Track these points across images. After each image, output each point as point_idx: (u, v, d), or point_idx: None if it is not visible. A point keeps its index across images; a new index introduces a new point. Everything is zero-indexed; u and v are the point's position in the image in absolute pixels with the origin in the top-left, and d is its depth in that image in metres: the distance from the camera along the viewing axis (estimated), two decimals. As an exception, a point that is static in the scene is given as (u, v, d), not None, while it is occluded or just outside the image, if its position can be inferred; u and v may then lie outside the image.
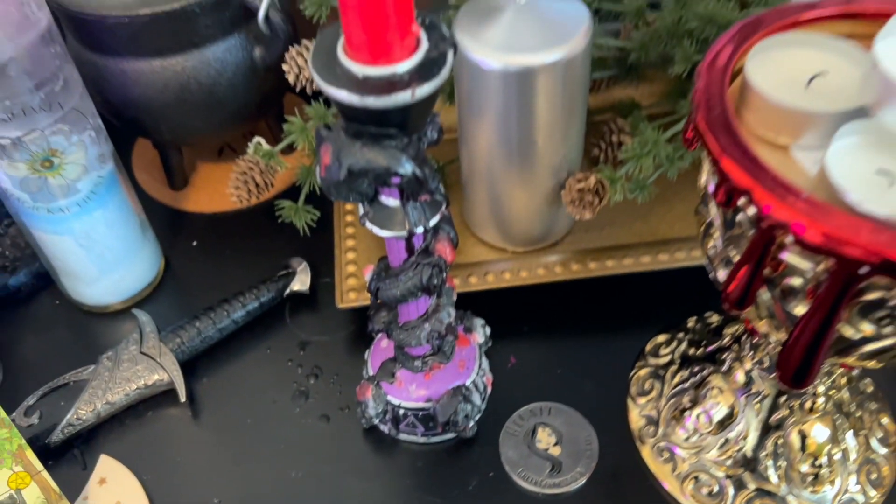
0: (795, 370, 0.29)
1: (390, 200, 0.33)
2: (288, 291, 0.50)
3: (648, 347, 0.46)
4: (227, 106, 0.50)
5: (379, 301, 0.37)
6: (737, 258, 0.29)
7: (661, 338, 0.47)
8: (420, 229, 0.33)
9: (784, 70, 0.29)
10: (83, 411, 0.44)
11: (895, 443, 0.42)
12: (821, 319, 0.27)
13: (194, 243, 0.55)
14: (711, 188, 0.29)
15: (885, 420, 0.42)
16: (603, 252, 0.49)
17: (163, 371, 0.45)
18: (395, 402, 0.42)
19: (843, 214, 0.24)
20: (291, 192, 0.52)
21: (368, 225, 0.33)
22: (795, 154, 0.29)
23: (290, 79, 0.46)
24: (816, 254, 0.25)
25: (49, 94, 0.40)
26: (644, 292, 0.49)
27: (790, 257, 0.27)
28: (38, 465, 0.39)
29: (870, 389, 0.43)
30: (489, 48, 0.41)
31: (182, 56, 0.47)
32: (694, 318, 0.47)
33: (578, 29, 0.42)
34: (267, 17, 0.46)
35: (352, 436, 0.44)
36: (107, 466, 0.43)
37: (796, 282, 0.28)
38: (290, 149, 0.49)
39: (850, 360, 0.29)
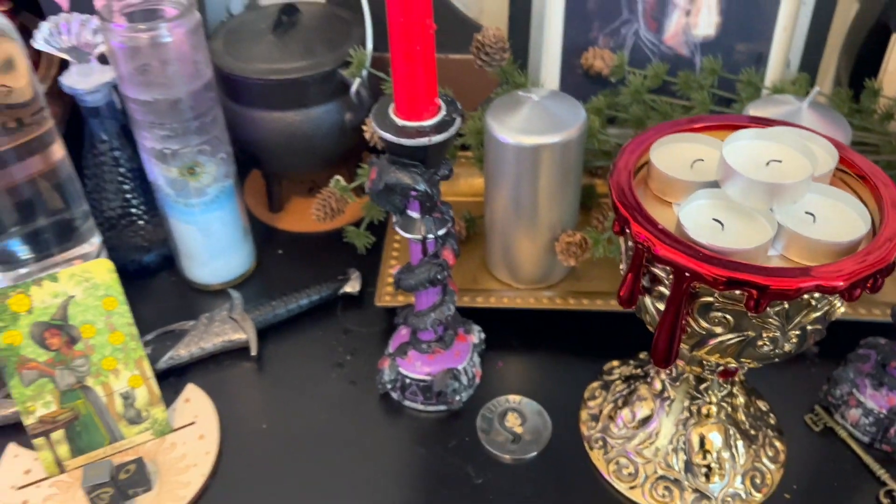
0: (663, 353, 0.43)
1: (414, 214, 0.49)
2: (341, 291, 0.66)
3: (605, 367, 0.60)
4: (319, 153, 0.68)
5: (399, 289, 0.53)
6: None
7: (616, 362, 0.60)
8: (431, 236, 0.49)
9: (675, 156, 0.45)
10: (182, 351, 0.61)
11: (783, 461, 0.53)
12: (673, 313, 0.41)
13: (280, 252, 0.72)
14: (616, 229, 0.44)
15: (778, 444, 0.54)
16: (585, 294, 0.64)
17: (243, 332, 0.62)
18: (404, 372, 0.57)
19: (681, 241, 0.39)
20: (356, 224, 0.69)
21: (397, 229, 0.50)
22: (674, 208, 0.43)
23: (367, 136, 0.64)
24: (665, 265, 0.40)
25: (202, 123, 0.59)
26: (611, 328, 0.63)
27: (655, 269, 0.41)
28: (150, 374, 0.55)
29: (766, 410, 0.55)
30: (510, 130, 0.58)
31: (293, 112, 0.66)
32: (645, 353, 0.60)
33: (576, 123, 0.58)
34: (357, 92, 0.64)
35: (369, 398, 0.59)
36: (192, 391, 0.59)
37: (662, 288, 0.42)
38: (360, 189, 0.66)
39: (704, 352, 0.43)
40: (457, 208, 0.73)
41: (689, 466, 0.51)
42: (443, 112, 0.45)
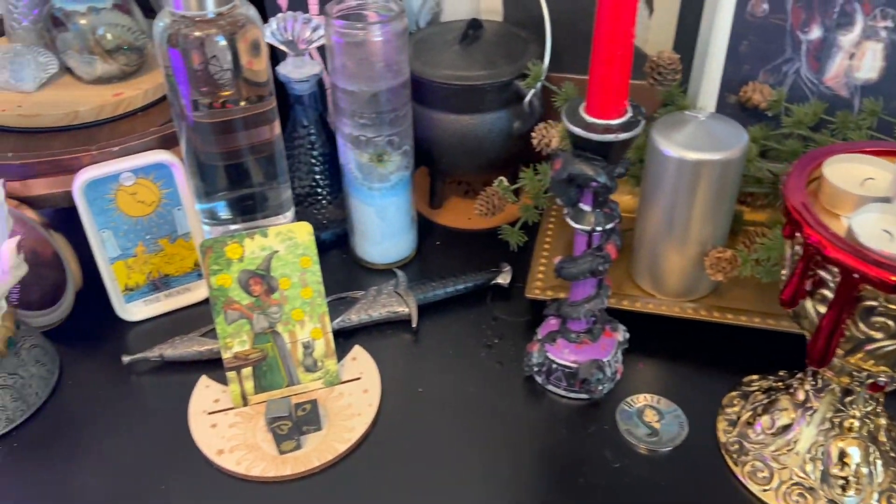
0: (819, 353, 0.45)
1: (585, 207, 0.54)
2: (493, 282, 0.72)
3: (744, 380, 0.62)
4: (487, 156, 0.75)
5: (560, 277, 0.58)
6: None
7: (755, 376, 0.62)
8: (599, 229, 0.54)
9: (846, 174, 0.48)
10: (353, 316, 0.68)
11: (922, 489, 0.54)
12: (836, 315, 0.44)
13: (438, 243, 0.79)
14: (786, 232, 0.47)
15: (918, 470, 0.55)
16: (727, 308, 0.67)
17: (406, 306, 0.69)
18: (552, 357, 0.62)
19: (851, 245, 0.42)
20: (511, 223, 0.75)
21: (568, 220, 0.55)
22: (843, 220, 0.46)
23: (535, 143, 0.70)
24: (834, 266, 0.43)
25: (395, 117, 0.66)
26: (751, 344, 0.65)
27: (821, 272, 0.45)
28: (329, 329, 0.62)
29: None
30: (674, 144, 0.62)
31: (469, 116, 0.73)
32: (784, 371, 0.62)
33: (737, 144, 0.62)
34: (531, 101, 0.71)
35: (514, 379, 0.64)
36: (358, 352, 0.66)
37: (825, 292, 0.45)
38: (516, 193, 0.72)
39: (858, 357, 0.45)
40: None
41: (825, 477, 0.53)
42: (629, 114, 0.50)
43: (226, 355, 0.61)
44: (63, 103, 0.72)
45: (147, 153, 0.64)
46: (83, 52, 0.73)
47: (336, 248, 0.78)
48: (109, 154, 0.63)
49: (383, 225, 0.72)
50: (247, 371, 0.61)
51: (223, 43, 0.56)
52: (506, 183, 0.72)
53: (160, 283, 0.70)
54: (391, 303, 0.69)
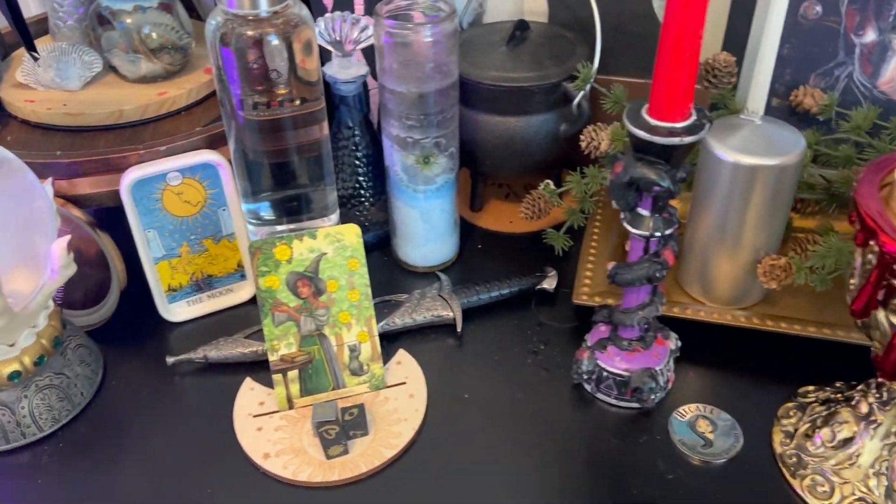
0: (892, 366, 0.44)
1: (644, 211, 0.53)
2: (538, 287, 0.70)
3: (800, 391, 0.61)
4: (533, 158, 0.74)
5: (614, 283, 0.56)
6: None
7: (811, 387, 0.61)
8: (658, 234, 0.53)
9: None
10: (397, 320, 0.67)
11: None
12: (911, 327, 0.42)
13: (479, 246, 0.78)
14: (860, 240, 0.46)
15: None
16: (780, 317, 0.65)
17: (450, 310, 0.68)
18: (602, 365, 0.61)
19: (930, 255, 0.41)
20: (556, 227, 0.74)
21: (626, 225, 0.54)
22: (917, 228, 0.45)
23: (583, 146, 0.69)
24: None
25: (443, 118, 0.65)
26: (804, 354, 0.63)
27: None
28: (375, 332, 0.62)
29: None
30: (728, 148, 0.60)
31: (515, 118, 0.72)
32: (841, 382, 0.61)
33: (794, 150, 0.60)
34: (579, 104, 0.69)
35: (561, 386, 0.63)
36: (402, 356, 0.65)
37: (900, 302, 0.43)
38: (561, 196, 0.71)
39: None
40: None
41: (889, 493, 0.52)
42: (693, 117, 0.48)
43: (272, 358, 0.60)
44: (108, 102, 0.72)
45: (194, 153, 0.64)
46: (128, 51, 0.73)
47: (377, 251, 0.77)
48: (156, 153, 0.63)
49: (427, 228, 0.71)
50: (293, 374, 0.60)
51: (277, 42, 0.55)
52: (552, 186, 0.71)
53: (203, 284, 0.69)
54: (435, 307, 0.68)
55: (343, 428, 0.57)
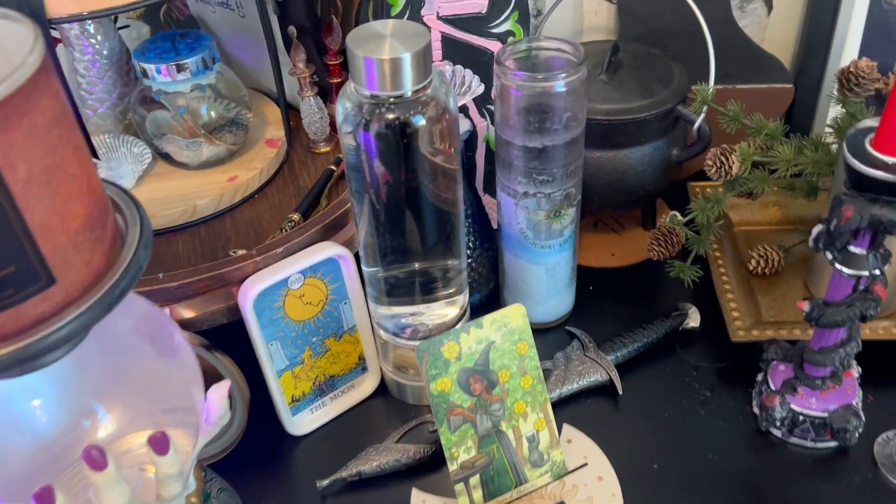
0: None
1: (859, 250, 0.48)
2: (683, 327, 0.66)
3: None
4: (645, 189, 0.69)
5: (818, 326, 0.52)
6: None
7: None
8: (877, 272, 0.49)
9: None
10: (551, 393, 0.61)
11: None
12: None
13: (591, 288, 0.73)
14: None
15: None
16: (943, 323, 0.63)
17: (603, 371, 0.62)
18: (798, 409, 0.57)
19: None
20: (681, 258, 0.69)
21: (837, 266, 0.49)
22: None
23: (711, 172, 0.64)
24: None
25: (575, 168, 0.59)
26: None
27: None
28: (552, 416, 0.56)
29: None
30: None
31: (628, 150, 0.66)
32: None
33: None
34: (699, 128, 0.65)
35: (745, 435, 0.59)
36: (570, 432, 0.59)
37: None
38: (689, 223, 0.67)
39: None
40: (765, 236, 0.73)
41: None
42: (925, 148, 0.44)
43: (452, 467, 0.53)
44: (175, 198, 0.63)
45: (314, 248, 0.56)
46: (186, 135, 0.64)
47: (482, 311, 0.71)
48: (273, 257, 0.55)
49: (550, 283, 0.66)
50: (474, 479, 0.54)
51: (422, 123, 0.48)
52: (679, 217, 0.66)
53: (325, 386, 0.62)
54: (587, 370, 0.62)
55: (552, 534, 0.51)
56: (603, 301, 0.72)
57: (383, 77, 0.46)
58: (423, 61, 0.47)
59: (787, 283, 0.70)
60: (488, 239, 0.68)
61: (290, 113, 0.73)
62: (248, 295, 0.53)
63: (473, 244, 0.68)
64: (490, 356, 0.53)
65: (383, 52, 0.45)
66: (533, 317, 0.68)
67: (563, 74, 0.54)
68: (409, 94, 0.47)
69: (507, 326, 0.53)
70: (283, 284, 0.55)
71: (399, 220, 0.53)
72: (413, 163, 0.50)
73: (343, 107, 0.48)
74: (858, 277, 0.50)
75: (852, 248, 0.49)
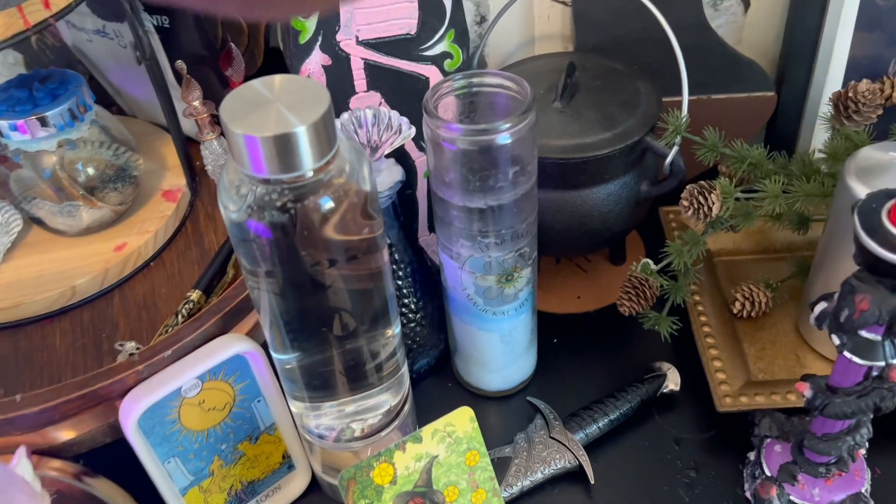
0: None
1: (873, 336, 0.40)
2: (661, 391, 0.57)
3: None
4: (611, 230, 0.59)
5: (824, 416, 0.44)
6: None
7: None
8: (894, 360, 0.40)
9: None
10: (512, 486, 0.52)
11: None
12: None
13: (555, 341, 0.64)
14: None
15: None
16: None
17: (571, 455, 0.53)
18: (797, 500, 0.48)
19: None
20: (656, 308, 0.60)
21: (847, 354, 0.41)
22: None
23: (688, 213, 0.55)
24: None
25: (528, 225, 0.49)
26: None
27: None
28: (510, 530, 0.47)
29: None
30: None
31: (589, 189, 0.57)
32: None
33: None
34: (672, 161, 0.55)
35: (740, 528, 0.51)
36: (535, 535, 0.51)
37: None
38: (665, 268, 0.57)
39: None
40: (749, 268, 0.65)
41: None
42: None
43: None
44: (49, 278, 0.52)
45: (213, 347, 0.45)
46: (57, 200, 0.53)
47: (432, 376, 0.62)
48: (160, 362, 0.44)
49: (507, 350, 0.56)
50: None
51: (330, 205, 0.38)
52: (652, 266, 0.57)
53: (244, 494, 0.52)
54: (552, 456, 0.53)
55: None
56: (569, 358, 0.62)
57: (272, 159, 0.35)
58: (325, 130, 0.36)
59: (775, 326, 0.61)
60: (436, 296, 0.58)
61: (195, 153, 0.62)
62: (131, 414, 0.43)
63: (416, 305, 0.58)
64: (433, 474, 0.44)
65: (268, 126, 0.35)
66: (489, 385, 0.60)
67: (508, 125, 0.44)
68: (310, 174, 0.37)
69: (453, 436, 0.44)
70: (176, 395, 0.45)
71: (308, 305, 0.43)
72: (321, 248, 0.40)
73: (225, 183, 0.38)
74: (871, 366, 0.41)
75: (866, 335, 0.40)
